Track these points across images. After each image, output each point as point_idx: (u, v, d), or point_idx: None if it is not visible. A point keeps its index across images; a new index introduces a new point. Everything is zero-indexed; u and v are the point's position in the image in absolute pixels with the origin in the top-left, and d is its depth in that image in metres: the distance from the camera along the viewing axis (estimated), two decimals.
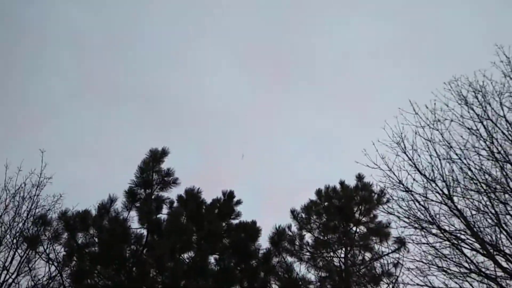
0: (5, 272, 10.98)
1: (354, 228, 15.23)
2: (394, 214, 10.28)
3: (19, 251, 11.28)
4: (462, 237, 9.46)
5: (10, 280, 10.98)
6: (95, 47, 34.12)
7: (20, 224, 11.51)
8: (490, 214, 9.14)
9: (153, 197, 11.80)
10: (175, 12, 34.12)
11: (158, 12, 33.96)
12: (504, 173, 9.18)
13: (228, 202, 13.14)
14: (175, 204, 12.68)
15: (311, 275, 14.59)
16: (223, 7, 32.61)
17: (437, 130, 9.99)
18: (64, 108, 32.86)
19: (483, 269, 9.13)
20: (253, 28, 33.20)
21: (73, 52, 33.95)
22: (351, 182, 15.82)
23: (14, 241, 11.28)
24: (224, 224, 12.81)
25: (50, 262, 11.52)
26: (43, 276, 11.41)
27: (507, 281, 9.02)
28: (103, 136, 32.88)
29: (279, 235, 13.57)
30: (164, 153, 11.97)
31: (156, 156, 11.88)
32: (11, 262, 11.10)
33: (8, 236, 11.30)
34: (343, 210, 15.20)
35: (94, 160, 31.02)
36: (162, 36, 34.44)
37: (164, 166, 11.99)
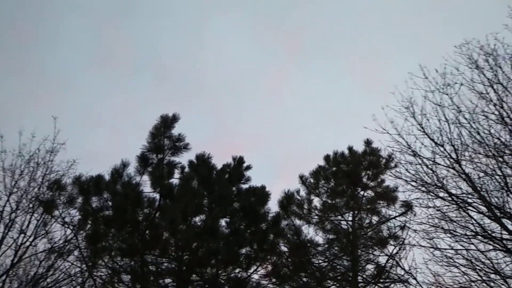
0: (22, 235, 11.21)
1: (361, 193, 15.38)
2: (401, 178, 10.35)
3: (35, 215, 11.41)
4: (469, 200, 9.51)
5: (28, 243, 11.26)
6: (110, 18, 33.88)
7: (36, 189, 11.61)
8: (497, 177, 9.19)
9: (164, 162, 11.93)
10: None
11: None
12: None
13: (238, 167, 13.34)
14: (186, 169, 12.89)
15: (319, 238, 14.91)
16: None
17: (447, 94, 9.94)
18: (79, 79, 32.94)
19: (489, 232, 9.25)
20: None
21: (88, 23, 33.76)
22: (360, 147, 15.90)
23: (30, 205, 11.44)
24: (234, 188, 13.05)
25: (66, 226, 11.77)
26: (59, 239, 11.64)
27: None
28: (117, 106, 33.10)
29: (288, 199, 13.81)
30: (174, 118, 11.99)
31: (167, 122, 11.92)
32: (28, 226, 11.26)
33: (24, 200, 11.43)
34: (351, 175, 15.31)
35: (107, 130, 31.33)
36: (177, 8, 34.14)
37: (175, 131, 12.04)
